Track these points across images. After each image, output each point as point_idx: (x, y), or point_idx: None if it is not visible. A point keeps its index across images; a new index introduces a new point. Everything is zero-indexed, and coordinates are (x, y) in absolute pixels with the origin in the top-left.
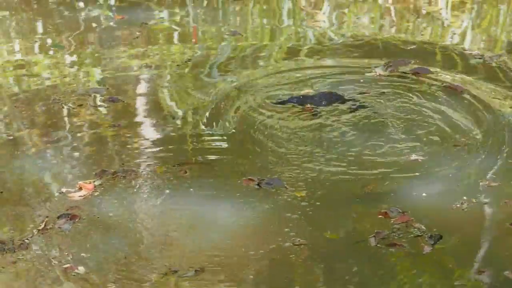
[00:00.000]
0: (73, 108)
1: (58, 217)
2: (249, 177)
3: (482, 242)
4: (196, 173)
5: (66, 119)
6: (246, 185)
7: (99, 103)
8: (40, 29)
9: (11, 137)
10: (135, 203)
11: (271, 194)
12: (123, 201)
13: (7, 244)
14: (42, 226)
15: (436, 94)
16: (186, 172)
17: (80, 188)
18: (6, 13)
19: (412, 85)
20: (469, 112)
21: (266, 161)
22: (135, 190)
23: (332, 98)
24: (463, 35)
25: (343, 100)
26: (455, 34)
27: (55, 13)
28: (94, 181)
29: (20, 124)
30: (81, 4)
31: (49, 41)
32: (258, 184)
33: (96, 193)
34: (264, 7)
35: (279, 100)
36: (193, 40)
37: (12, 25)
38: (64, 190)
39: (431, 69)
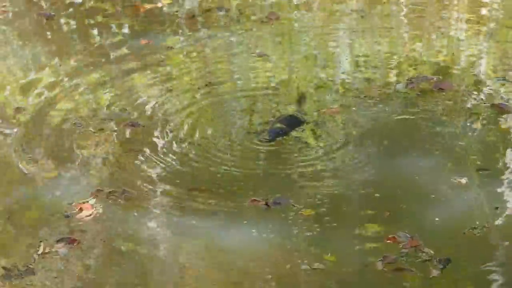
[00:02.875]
0: (94, 132)
1: (57, 241)
2: (254, 198)
3: (493, 267)
4: (203, 198)
5: (84, 143)
6: (254, 206)
7: (119, 127)
8: (58, 54)
9: (27, 162)
10: (140, 227)
11: (281, 214)
12: (128, 225)
13: (13, 270)
14: (41, 250)
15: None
16: (192, 192)
17: (81, 209)
18: (21, 42)
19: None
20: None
21: (276, 183)
22: (138, 213)
23: (294, 122)
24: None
25: (301, 124)
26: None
27: (74, 40)
28: (88, 201)
29: (39, 147)
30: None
31: (70, 65)
32: (266, 204)
33: (100, 216)
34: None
35: (268, 138)
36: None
37: (31, 52)
38: (69, 213)
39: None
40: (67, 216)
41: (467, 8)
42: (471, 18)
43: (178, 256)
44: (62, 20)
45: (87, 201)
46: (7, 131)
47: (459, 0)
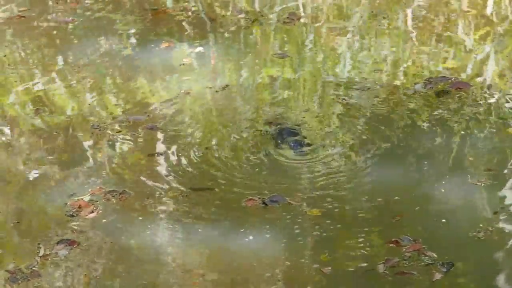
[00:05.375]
0: (112, 134)
1: (57, 243)
2: (250, 198)
3: (497, 271)
4: (205, 198)
5: (99, 144)
6: (251, 205)
7: (137, 130)
8: (77, 56)
9: (41, 162)
10: (133, 227)
11: (282, 214)
12: (129, 227)
13: (17, 273)
14: (42, 253)
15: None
16: (186, 196)
17: (80, 207)
18: (39, 45)
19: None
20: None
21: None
22: (132, 213)
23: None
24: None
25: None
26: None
27: (93, 42)
28: (83, 198)
29: (54, 149)
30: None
31: (90, 67)
32: (263, 203)
33: (99, 215)
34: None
35: (301, 151)
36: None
37: (50, 54)
38: (72, 212)
39: None
40: (72, 216)
41: (476, 12)
42: (481, 21)
43: (179, 257)
44: (81, 24)
45: (82, 199)
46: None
47: (469, 4)
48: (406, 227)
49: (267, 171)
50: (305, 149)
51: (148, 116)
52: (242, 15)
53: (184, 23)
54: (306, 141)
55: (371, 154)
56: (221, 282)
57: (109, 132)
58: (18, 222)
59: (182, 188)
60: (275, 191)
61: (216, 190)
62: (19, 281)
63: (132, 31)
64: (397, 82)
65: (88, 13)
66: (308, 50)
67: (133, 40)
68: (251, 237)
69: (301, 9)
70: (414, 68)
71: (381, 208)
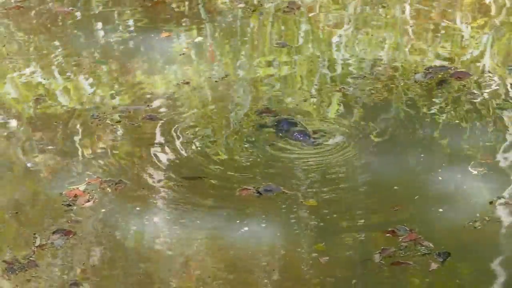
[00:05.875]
0: (111, 124)
1: (53, 233)
2: (245, 187)
3: (493, 261)
4: (200, 187)
5: (98, 134)
6: (245, 195)
7: (137, 120)
8: (78, 47)
9: (39, 151)
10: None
11: (278, 205)
12: (123, 216)
13: (14, 264)
14: (38, 243)
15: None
16: (182, 186)
17: (76, 196)
18: (38, 36)
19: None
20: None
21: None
22: (126, 202)
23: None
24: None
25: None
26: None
27: (93, 33)
28: (78, 187)
29: (55, 140)
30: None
31: (91, 58)
32: (258, 192)
33: (94, 205)
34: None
35: (312, 141)
36: (211, 59)
37: (51, 45)
38: (68, 201)
39: None
40: (68, 205)
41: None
42: (480, 10)
43: (175, 247)
44: (80, 14)
45: (77, 188)
46: (19, 123)
47: None
48: (404, 217)
49: (262, 161)
50: (313, 139)
51: (148, 106)
52: (242, 5)
53: (183, 13)
54: (310, 130)
55: (369, 143)
56: (217, 272)
57: (109, 122)
58: (16, 212)
59: (178, 178)
60: (270, 180)
61: (212, 179)
62: (17, 271)
63: (131, 21)
64: (397, 72)
65: (87, 3)
66: (308, 39)
67: (132, 30)
68: (246, 228)
69: None
70: (414, 57)
71: (379, 198)
